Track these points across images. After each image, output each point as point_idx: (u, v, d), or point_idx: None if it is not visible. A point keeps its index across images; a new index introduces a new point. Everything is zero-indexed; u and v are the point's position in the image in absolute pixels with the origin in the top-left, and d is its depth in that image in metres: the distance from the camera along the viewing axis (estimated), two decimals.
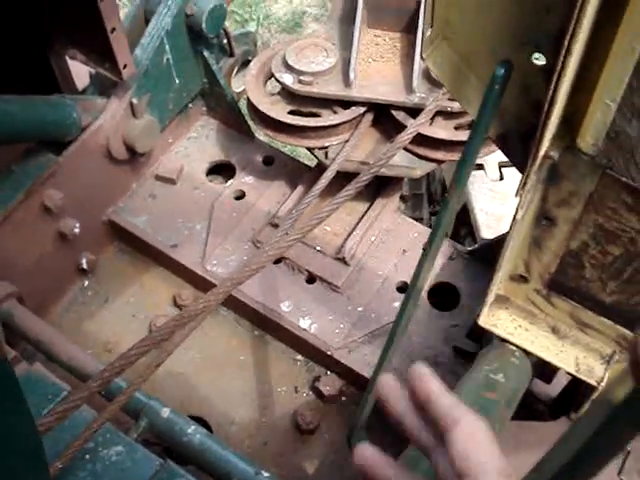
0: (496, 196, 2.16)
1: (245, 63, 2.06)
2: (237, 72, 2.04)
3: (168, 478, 1.27)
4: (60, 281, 1.81)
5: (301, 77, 1.66)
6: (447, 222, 1.17)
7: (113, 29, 1.50)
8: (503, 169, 2.20)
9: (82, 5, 1.49)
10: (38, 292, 1.71)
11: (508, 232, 1.16)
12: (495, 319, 1.29)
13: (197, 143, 1.98)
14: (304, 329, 1.69)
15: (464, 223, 2.16)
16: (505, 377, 1.20)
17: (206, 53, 1.83)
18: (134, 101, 1.68)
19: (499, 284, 1.27)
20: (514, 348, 1.29)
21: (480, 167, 2.19)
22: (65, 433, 1.28)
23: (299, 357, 1.77)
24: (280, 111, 1.69)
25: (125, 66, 1.59)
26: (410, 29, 1.76)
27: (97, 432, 1.27)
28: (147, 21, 1.75)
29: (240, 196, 1.89)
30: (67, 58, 1.75)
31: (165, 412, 1.44)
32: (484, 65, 0.99)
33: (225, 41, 1.94)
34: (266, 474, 1.37)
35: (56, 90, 1.76)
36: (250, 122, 1.91)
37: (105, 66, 1.63)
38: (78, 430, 1.26)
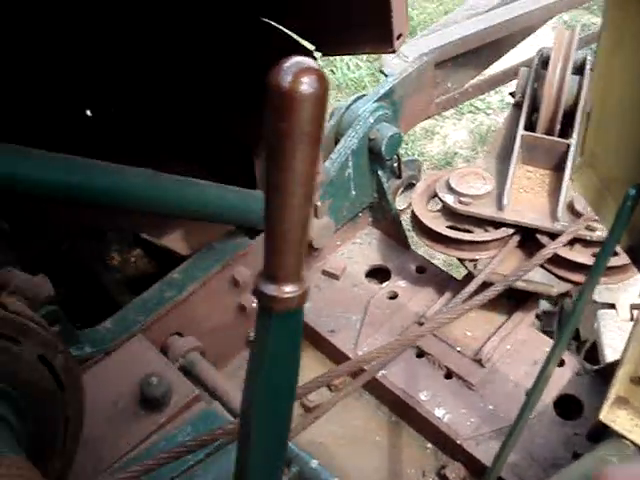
0: (625, 335, 2.31)
1: (409, 186, 2.37)
2: (401, 192, 2.36)
3: None
4: (232, 347, 2.12)
5: (461, 198, 1.94)
6: (568, 334, 1.36)
7: None
8: (634, 311, 2.35)
9: None
10: (213, 353, 2.00)
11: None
12: (614, 416, 1.46)
13: (360, 248, 2.29)
14: (438, 417, 1.89)
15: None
16: (619, 461, 1.36)
17: (380, 172, 2.17)
18: (318, 204, 2.02)
19: (619, 385, 1.44)
20: (630, 443, 1.45)
21: (612, 307, 2.36)
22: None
23: (429, 445, 1.96)
24: (440, 225, 1.97)
25: (319, 173, 1.93)
26: (558, 168, 2.02)
27: None
28: (336, 141, 2.12)
29: (393, 297, 2.16)
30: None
31: (314, 463, 1.67)
32: (620, 188, 1.23)
33: (396, 164, 2.27)
34: None
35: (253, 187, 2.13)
36: (408, 234, 2.21)
37: None
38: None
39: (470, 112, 4.55)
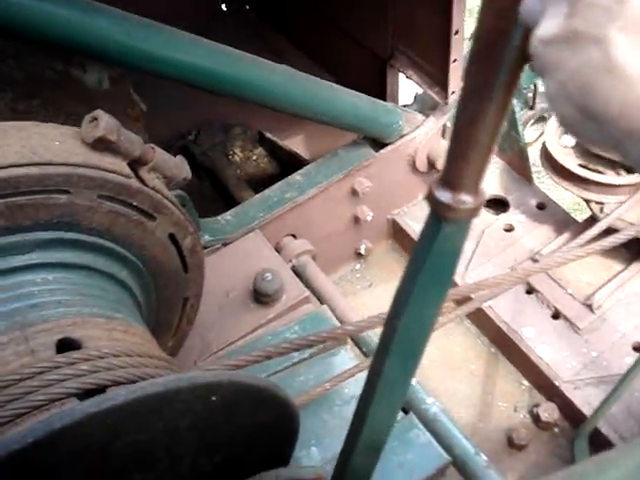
0: None
1: (540, 119, 2.29)
2: (532, 124, 2.28)
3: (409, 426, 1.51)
4: (340, 256, 2.14)
5: None
6: None
7: (455, 60, 1.80)
8: None
9: (435, 36, 1.80)
10: (321, 259, 2.02)
11: None
12: None
13: None
14: (539, 356, 1.87)
15: None
16: None
17: (514, 100, 2.09)
18: (448, 124, 1.97)
19: None
20: None
21: None
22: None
23: (525, 382, 1.95)
24: (571, 162, 1.90)
25: (453, 92, 1.88)
26: None
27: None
28: None
29: (509, 229, 2.11)
30: (399, 75, 2.08)
31: (412, 380, 1.68)
32: None
33: (530, 95, 2.18)
34: (484, 457, 1.57)
35: (382, 97, 2.10)
36: (533, 169, 2.15)
37: (434, 89, 1.93)
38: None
39: None
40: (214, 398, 0.95)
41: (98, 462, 0.89)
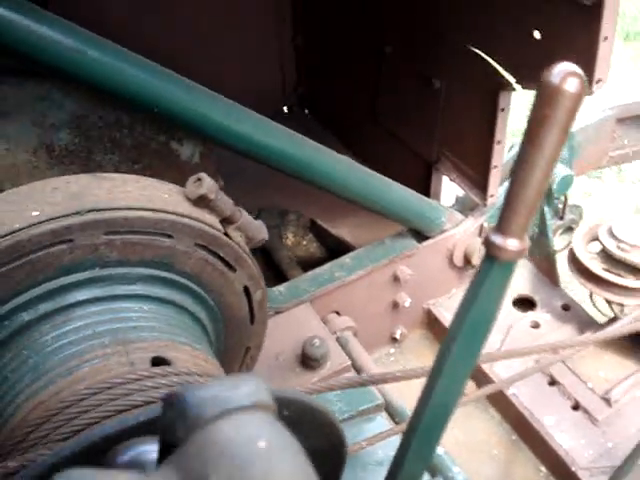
0: None
1: (568, 229, 2.50)
2: (561, 234, 2.49)
3: None
4: (377, 338, 2.31)
5: (620, 244, 2.07)
6: None
7: (495, 166, 2.03)
8: None
9: (479, 145, 2.05)
10: (360, 339, 2.20)
11: None
12: None
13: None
14: (558, 442, 2.01)
15: None
16: None
17: (546, 209, 2.32)
18: (485, 224, 2.19)
19: None
20: None
21: None
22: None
23: (543, 469, 2.07)
24: (596, 266, 2.10)
25: (492, 196, 2.11)
26: None
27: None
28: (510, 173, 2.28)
29: (535, 326, 2.29)
30: (442, 177, 2.33)
31: (441, 450, 1.83)
32: None
33: (561, 206, 2.41)
34: None
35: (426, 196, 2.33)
36: (560, 273, 2.35)
37: (474, 192, 2.16)
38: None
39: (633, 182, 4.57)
40: (286, 412, 1.12)
41: None
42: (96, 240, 1.23)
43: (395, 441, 1.80)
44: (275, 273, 2.39)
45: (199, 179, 1.36)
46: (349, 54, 2.58)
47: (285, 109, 3.05)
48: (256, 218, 2.46)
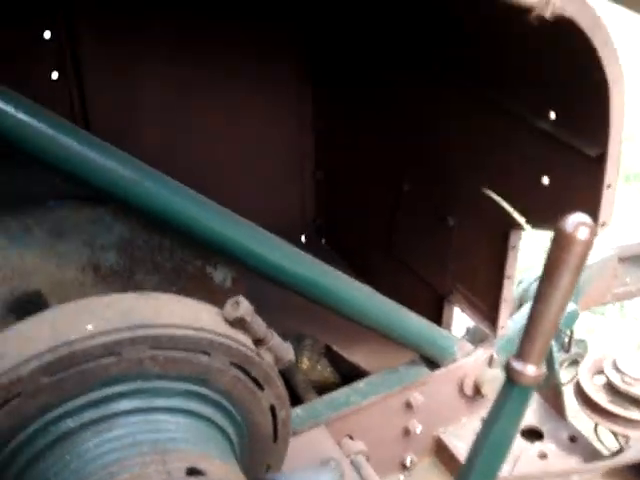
0: None
1: (573, 362, 2.59)
2: (566, 367, 2.58)
3: None
4: (387, 465, 2.35)
5: (625, 378, 2.16)
6: None
7: (505, 300, 2.15)
8: None
9: (490, 279, 2.18)
10: (371, 464, 2.24)
11: None
12: None
13: None
14: None
15: None
16: None
17: (552, 342, 2.42)
18: (494, 355, 2.29)
19: None
20: None
21: None
22: None
23: None
24: (601, 398, 2.18)
25: (502, 327, 2.22)
26: None
27: None
28: (519, 305, 2.41)
29: (542, 456, 2.34)
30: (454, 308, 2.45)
31: None
32: None
33: (567, 339, 2.51)
34: None
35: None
36: (566, 404, 2.42)
37: (485, 324, 2.27)
38: None
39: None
40: None
41: None
42: (142, 354, 1.33)
43: None
44: (291, 395, 2.46)
45: (237, 302, 1.48)
46: (367, 189, 2.75)
47: (303, 238, 3.21)
48: None
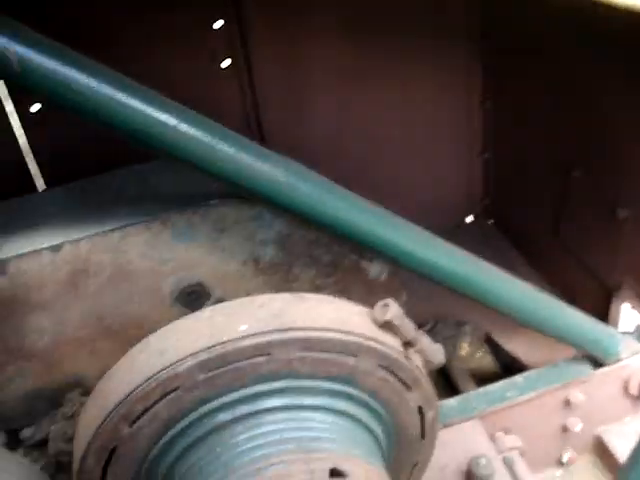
0: None
1: None
2: None
3: None
4: (543, 459, 2.29)
5: None
6: None
7: None
8: None
9: None
10: (526, 458, 2.19)
11: None
12: None
13: None
14: None
15: None
16: None
17: None
18: None
19: None
20: None
21: None
22: None
23: None
24: None
25: None
26: None
27: None
28: None
29: None
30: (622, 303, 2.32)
31: None
32: None
33: None
34: None
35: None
36: None
37: None
38: None
39: None
40: None
41: None
42: (291, 355, 1.38)
43: None
44: (446, 383, 2.46)
45: (386, 305, 1.48)
46: (536, 172, 2.65)
47: (471, 218, 3.15)
48: (432, 328, 2.59)
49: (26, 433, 1.71)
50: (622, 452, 2.28)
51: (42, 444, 1.69)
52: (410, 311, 2.46)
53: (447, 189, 3.00)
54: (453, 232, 3.07)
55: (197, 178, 1.54)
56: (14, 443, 1.74)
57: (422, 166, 2.91)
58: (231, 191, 1.59)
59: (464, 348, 2.56)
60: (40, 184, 2.47)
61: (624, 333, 2.28)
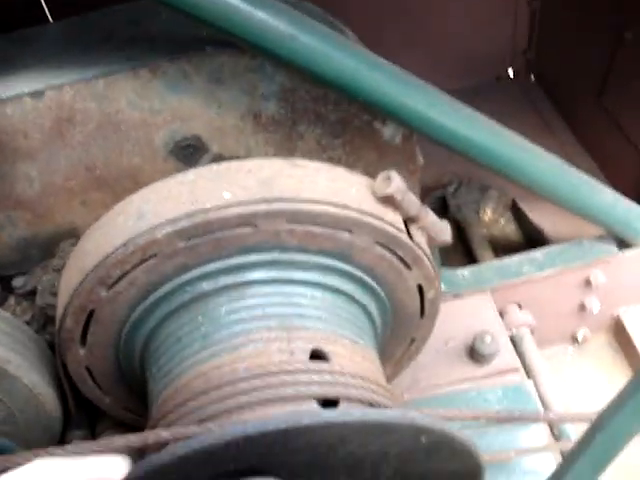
0: None
1: None
2: None
3: None
4: (557, 335, 2.22)
5: None
6: None
7: None
8: None
9: None
10: (539, 332, 2.11)
11: None
12: None
13: None
14: None
15: None
16: None
17: None
18: None
19: None
20: None
21: None
22: None
23: None
24: None
25: None
26: None
27: None
28: None
29: None
30: None
31: None
32: None
33: None
34: None
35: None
36: None
37: None
38: None
39: None
40: (423, 439, 1.13)
41: (320, 459, 1.11)
42: (279, 227, 1.28)
43: (547, 456, 1.76)
44: (464, 249, 2.36)
45: (389, 177, 1.35)
46: (585, 28, 2.40)
47: (511, 72, 2.92)
48: (455, 191, 2.45)
49: (18, 282, 1.67)
50: (639, 333, 2.19)
51: (33, 294, 1.64)
52: (430, 173, 2.35)
53: (488, 37, 2.75)
54: (491, 86, 2.90)
55: (188, 22, 1.38)
56: (7, 291, 1.70)
57: (462, 11, 2.65)
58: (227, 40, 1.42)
59: (487, 214, 2.43)
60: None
61: None
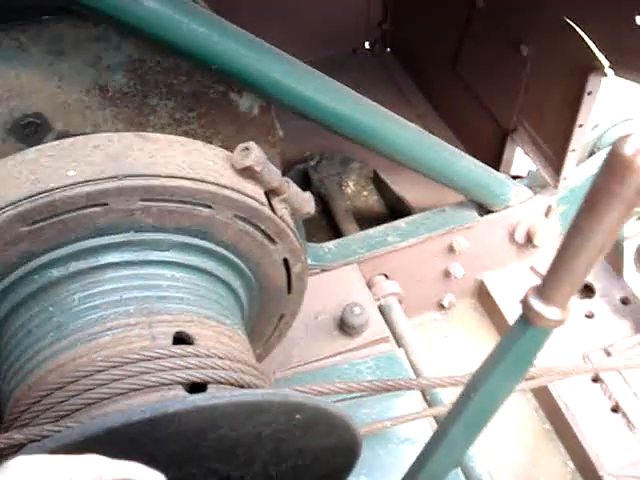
0: None
1: None
2: (637, 219, 2.34)
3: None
4: (424, 303, 2.26)
5: None
6: None
7: (573, 149, 1.90)
8: None
9: (560, 123, 1.91)
10: (407, 301, 2.13)
11: None
12: None
13: None
14: (590, 444, 1.94)
15: None
16: None
17: None
18: (552, 206, 2.07)
19: None
20: None
21: None
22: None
23: (571, 464, 2.02)
24: None
25: (565, 178, 1.98)
26: None
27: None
28: (591, 153, 2.15)
29: (589, 316, 2.19)
30: (516, 148, 2.20)
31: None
32: None
33: None
34: None
35: (496, 164, 2.22)
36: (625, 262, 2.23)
37: (548, 171, 2.03)
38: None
39: None
40: (298, 416, 1.09)
41: (190, 446, 1.05)
42: (132, 205, 1.20)
43: (423, 423, 1.77)
44: (329, 223, 2.34)
45: (247, 148, 1.30)
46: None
47: (367, 45, 2.91)
48: (317, 165, 2.42)
49: None
50: (502, 296, 2.25)
51: None
52: (291, 148, 2.31)
53: (343, 9, 2.72)
54: (347, 57, 2.89)
55: None
56: None
57: None
58: (68, 5, 1.31)
59: (350, 186, 2.42)
60: None
61: (514, 178, 2.18)
